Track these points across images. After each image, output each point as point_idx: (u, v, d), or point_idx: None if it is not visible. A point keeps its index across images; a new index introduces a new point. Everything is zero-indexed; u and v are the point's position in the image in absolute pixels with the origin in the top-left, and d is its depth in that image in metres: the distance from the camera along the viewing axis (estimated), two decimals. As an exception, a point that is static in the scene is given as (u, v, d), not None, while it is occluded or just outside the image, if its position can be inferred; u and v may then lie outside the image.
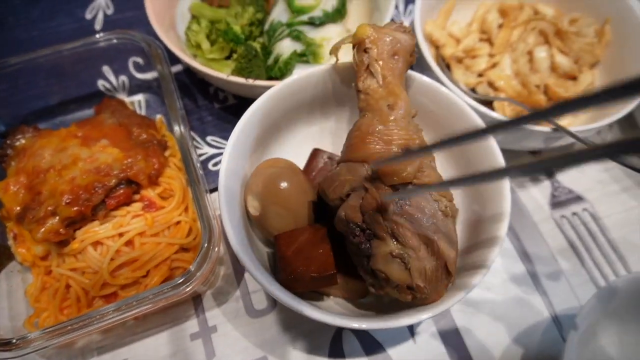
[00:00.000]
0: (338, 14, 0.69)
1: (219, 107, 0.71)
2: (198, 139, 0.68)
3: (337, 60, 0.52)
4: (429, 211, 0.41)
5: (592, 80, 0.64)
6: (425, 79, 0.52)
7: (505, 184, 0.47)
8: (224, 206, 0.45)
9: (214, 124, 0.69)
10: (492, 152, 0.49)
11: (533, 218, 0.64)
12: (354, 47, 0.48)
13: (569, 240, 0.62)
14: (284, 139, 0.59)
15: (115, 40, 0.62)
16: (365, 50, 0.47)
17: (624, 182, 0.67)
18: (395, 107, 0.46)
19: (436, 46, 0.70)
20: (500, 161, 0.48)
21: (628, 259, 0.61)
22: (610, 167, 0.68)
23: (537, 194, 0.65)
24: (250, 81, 0.57)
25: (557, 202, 0.65)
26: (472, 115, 0.50)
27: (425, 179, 0.43)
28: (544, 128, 0.54)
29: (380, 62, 0.46)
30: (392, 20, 0.51)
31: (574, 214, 0.64)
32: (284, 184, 0.50)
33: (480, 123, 0.50)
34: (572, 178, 0.67)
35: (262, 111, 0.52)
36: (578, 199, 0.65)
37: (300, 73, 0.53)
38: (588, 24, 0.65)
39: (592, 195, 0.66)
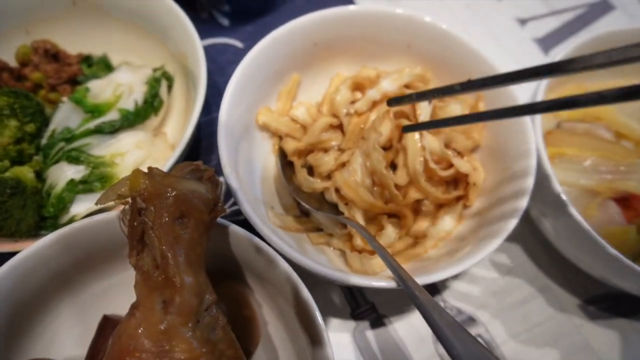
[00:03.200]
0: (149, 109, 0.54)
1: None
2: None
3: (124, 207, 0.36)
4: None
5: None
6: (234, 229, 0.37)
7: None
8: None
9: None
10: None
11: (413, 358, 0.49)
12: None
13: (460, 383, 0.48)
14: (58, 306, 0.42)
15: None
16: (140, 212, 0.31)
17: (526, 288, 0.53)
18: (171, 308, 0.30)
19: (280, 136, 0.55)
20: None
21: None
22: (511, 268, 0.54)
23: (417, 322, 0.51)
24: (-17, 247, 0.40)
25: (443, 330, 0.51)
26: (297, 284, 0.36)
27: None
28: (389, 283, 0.39)
29: (158, 231, 0.31)
30: (189, 161, 0.35)
31: (465, 343, 0.50)
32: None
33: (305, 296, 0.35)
34: (459, 293, 0.53)
35: (14, 280, 0.36)
36: (470, 321, 0.51)
37: (66, 229, 0.36)
38: (456, 104, 0.51)
39: (486, 314, 0.52)
